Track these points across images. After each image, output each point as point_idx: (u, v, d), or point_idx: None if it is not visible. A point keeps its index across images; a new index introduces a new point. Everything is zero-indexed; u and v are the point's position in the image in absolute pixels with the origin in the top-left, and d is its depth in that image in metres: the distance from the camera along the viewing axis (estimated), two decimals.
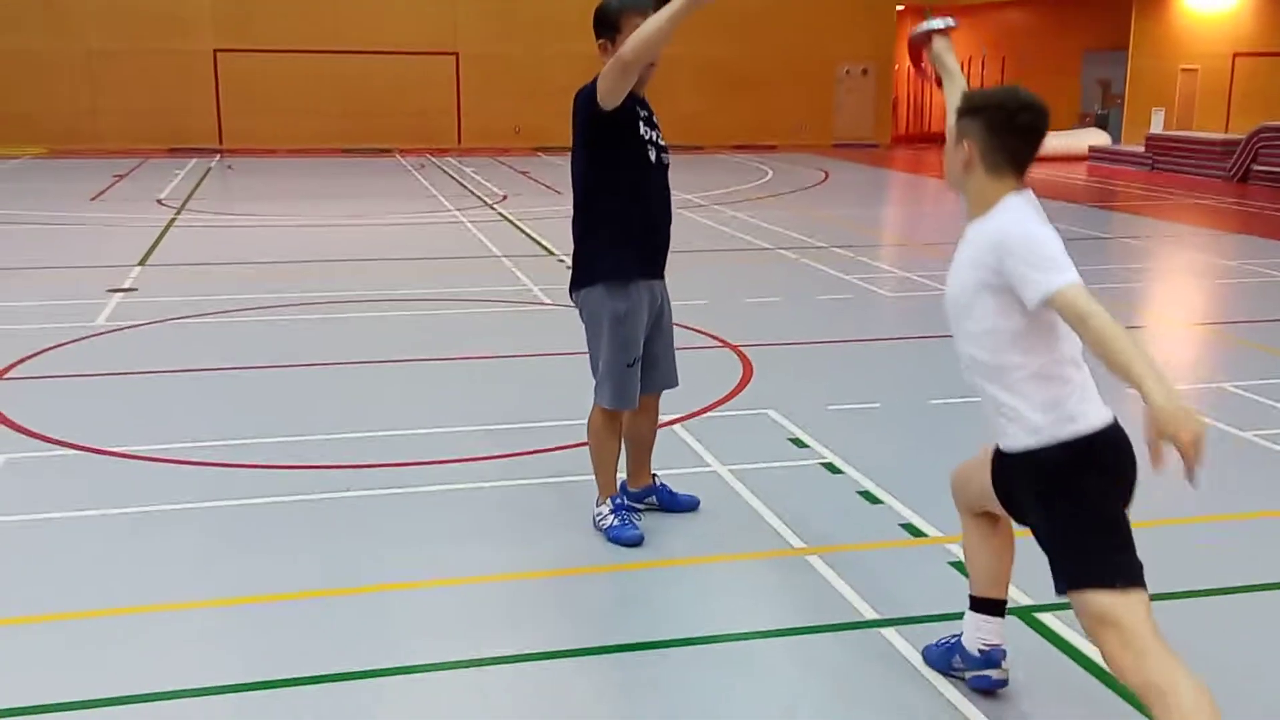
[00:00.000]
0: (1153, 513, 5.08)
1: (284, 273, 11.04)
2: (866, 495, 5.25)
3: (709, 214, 15.57)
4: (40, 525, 4.94)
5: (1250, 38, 21.91)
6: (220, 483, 5.42)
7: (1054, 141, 25.37)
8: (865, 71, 29.23)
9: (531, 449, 5.88)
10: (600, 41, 4.50)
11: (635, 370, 4.63)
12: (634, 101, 4.46)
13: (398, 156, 25.16)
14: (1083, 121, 27.55)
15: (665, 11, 4.09)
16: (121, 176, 20.24)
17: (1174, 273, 12.13)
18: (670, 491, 5.10)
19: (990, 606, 3.54)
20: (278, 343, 8.29)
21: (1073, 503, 3.04)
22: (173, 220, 14.75)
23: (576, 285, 4.64)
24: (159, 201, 16.76)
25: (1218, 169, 20.75)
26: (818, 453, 5.83)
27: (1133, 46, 24.91)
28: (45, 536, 4.83)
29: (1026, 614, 4.07)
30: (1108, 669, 2.97)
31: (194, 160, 23.60)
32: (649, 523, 4.89)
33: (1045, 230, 3.05)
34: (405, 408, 6.65)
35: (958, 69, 3.93)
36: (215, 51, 25.74)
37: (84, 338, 8.27)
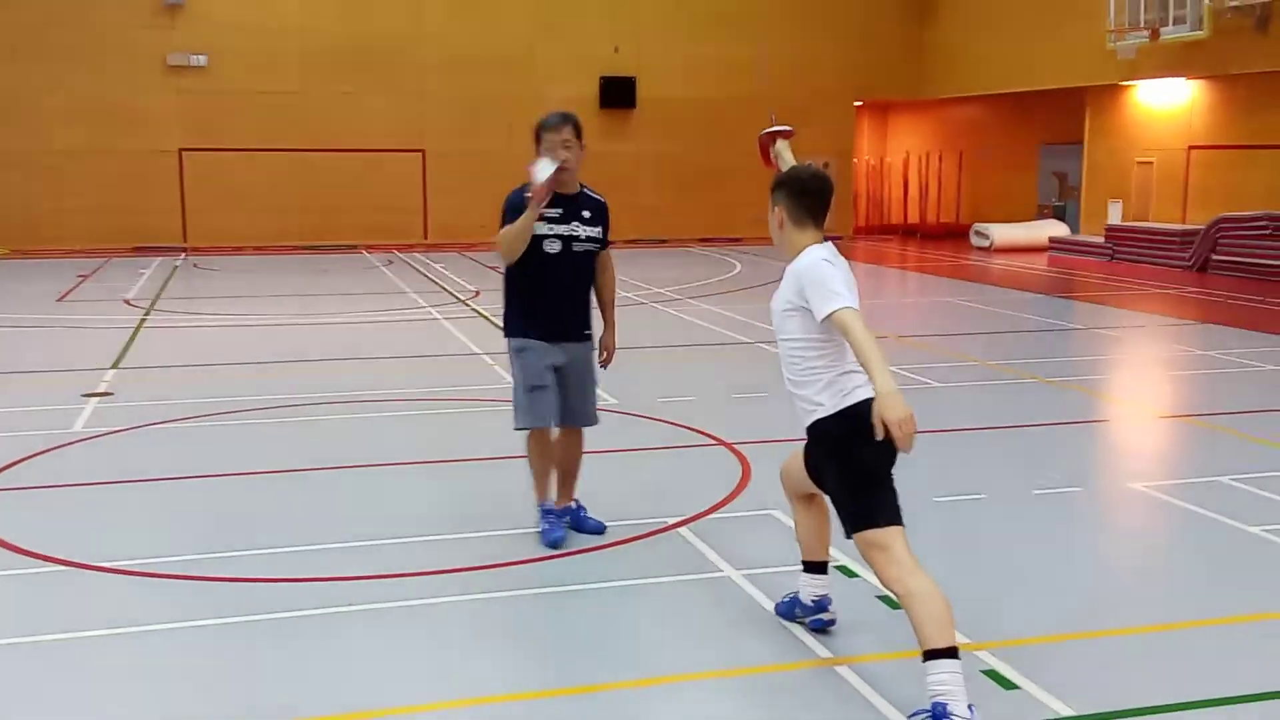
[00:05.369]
0: (1166, 617, 5.02)
1: (262, 374, 10.87)
2: (886, 600, 5.13)
3: (683, 308, 15.60)
4: (29, 648, 4.72)
5: (1204, 131, 22.47)
6: (216, 598, 5.23)
7: (1015, 233, 25.80)
8: (826, 165, 29.55)
9: (520, 559, 5.75)
10: (536, 148, 5.82)
11: (534, 395, 5.77)
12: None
13: (364, 253, 25.13)
14: (1041, 213, 28.03)
15: (522, 220, 5.60)
16: (86, 276, 20.03)
17: (1151, 364, 12.22)
18: (581, 515, 6.10)
19: (817, 568, 4.74)
20: (263, 448, 8.11)
21: (848, 463, 4.12)
22: (143, 321, 14.55)
23: (505, 334, 6.01)
24: (126, 301, 16.57)
25: (1177, 259, 21.12)
26: (830, 555, 5.70)
27: (1088, 140, 25.45)
28: (37, 659, 4.61)
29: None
30: (879, 581, 4.15)
31: (159, 259, 23.44)
32: (681, 632, 4.79)
33: (832, 269, 4.10)
34: (399, 514, 6.48)
35: (792, 162, 5.17)
36: (181, 150, 25.72)
37: (62, 445, 8.05)
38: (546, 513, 5.97)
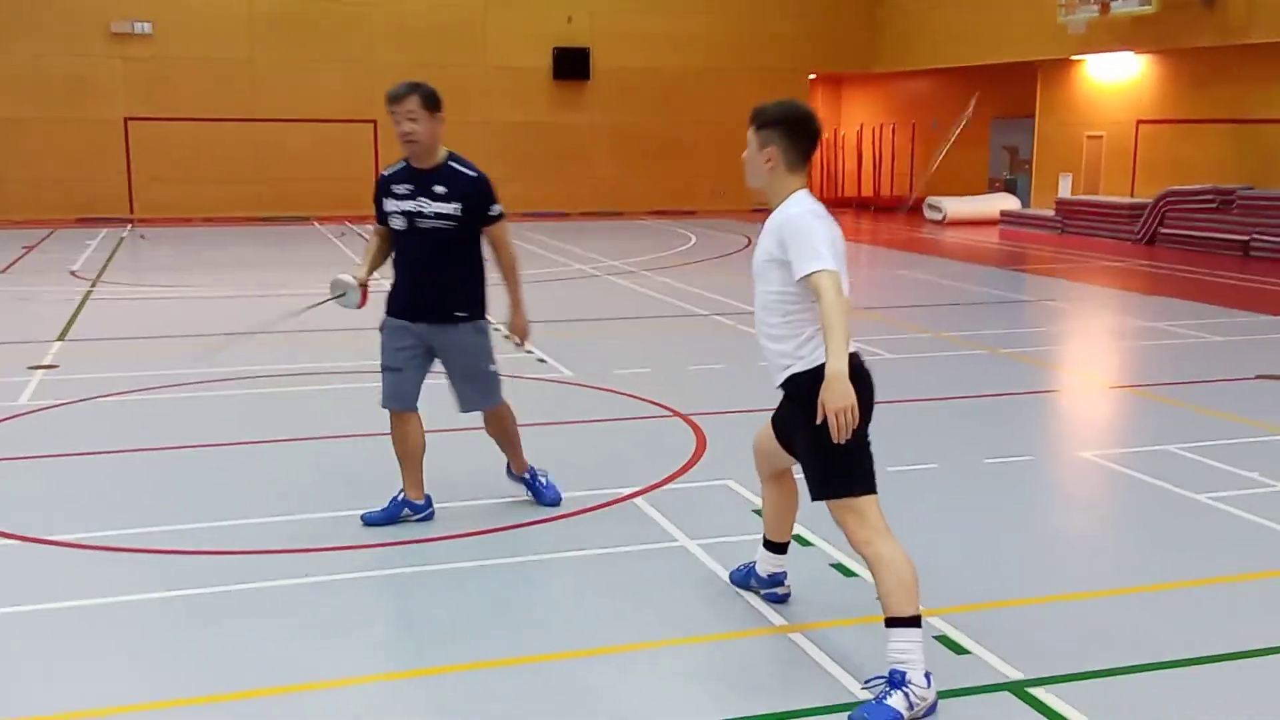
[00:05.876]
0: (1114, 582, 5.10)
1: (208, 346, 10.71)
2: (840, 568, 5.18)
3: (638, 280, 15.57)
4: None
5: (1152, 106, 22.70)
6: (162, 571, 5.18)
7: (967, 206, 25.98)
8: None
9: (473, 530, 5.73)
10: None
11: (384, 376, 5.69)
12: (383, 191, 5.63)
13: (315, 224, 24.86)
14: (992, 186, 28.25)
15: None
16: (31, 248, 19.67)
17: (1100, 335, 12.37)
18: (538, 485, 6.05)
19: (778, 548, 4.75)
20: (210, 421, 8.02)
21: (821, 424, 3.79)
22: (89, 293, 14.32)
23: None
24: (72, 273, 16.29)
25: (1126, 231, 21.37)
26: (791, 536, 5.73)
27: (1039, 114, 25.63)
28: None
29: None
30: (850, 544, 4.05)
31: (105, 230, 23.05)
32: (637, 601, 4.80)
33: (819, 224, 3.94)
34: (344, 485, 6.44)
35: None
36: (126, 119, 25.28)
37: (7, 419, 7.92)
38: (401, 502, 5.78)
